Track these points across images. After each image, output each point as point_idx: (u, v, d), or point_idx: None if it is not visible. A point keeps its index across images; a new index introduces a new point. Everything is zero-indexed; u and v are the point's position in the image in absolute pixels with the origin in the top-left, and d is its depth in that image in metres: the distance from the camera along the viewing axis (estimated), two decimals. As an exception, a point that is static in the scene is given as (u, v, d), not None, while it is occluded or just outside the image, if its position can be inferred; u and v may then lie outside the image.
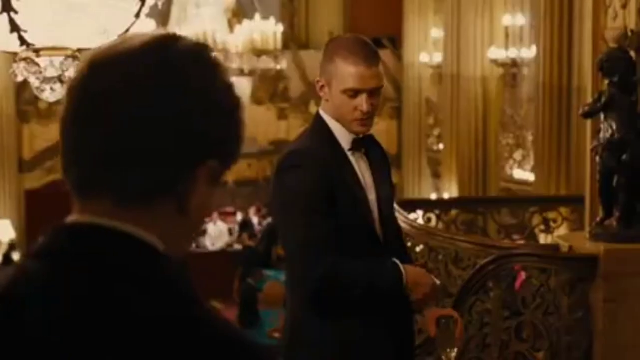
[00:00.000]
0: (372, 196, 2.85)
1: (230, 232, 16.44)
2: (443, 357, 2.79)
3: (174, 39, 1.12)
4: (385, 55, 15.49)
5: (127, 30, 2.56)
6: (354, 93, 2.72)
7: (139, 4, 2.53)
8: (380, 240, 2.86)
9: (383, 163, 2.96)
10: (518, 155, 11.51)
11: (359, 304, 2.77)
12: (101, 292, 1.03)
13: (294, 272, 2.85)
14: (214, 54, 1.14)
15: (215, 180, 1.12)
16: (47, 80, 2.49)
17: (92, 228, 1.08)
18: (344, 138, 2.82)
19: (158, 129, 1.06)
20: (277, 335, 10.06)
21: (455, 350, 2.78)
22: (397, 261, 2.78)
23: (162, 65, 1.09)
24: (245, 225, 15.85)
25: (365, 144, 2.88)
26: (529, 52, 11.21)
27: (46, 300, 1.04)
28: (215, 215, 16.42)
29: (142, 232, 1.07)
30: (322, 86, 2.79)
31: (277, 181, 2.76)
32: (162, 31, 1.14)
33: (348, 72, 2.70)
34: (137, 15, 2.54)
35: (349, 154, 2.82)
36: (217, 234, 16.21)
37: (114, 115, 1.07)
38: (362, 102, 2.72)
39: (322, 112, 2.85)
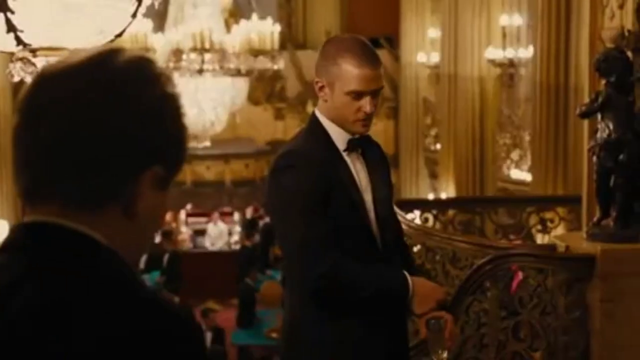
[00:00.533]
0: (368, 197, 2.84)
1: (230, 232, 16.43)
2: (434, 358, 2.78)
3: (115, 53, 1.19)
4: (383, 55, 15.47)
5: (124, 30, 2.56)
6: (357, 95, 2.72)
7: (136, 4, 2.53)
8: (377, 242, 2.85)
9: (381, 163, 2.95)
10: (515, 155, 11.52)
11: (358, 305, 2.77)
12: (52, 287, 1.11)
13: (292, 272, 2.85)
14: (154, 66, 1.21)
15: (162, 185, 1.20)
16: (43, 80, 2.48)
17: (44, 226, 1.16)
18: (339, 138, 2.81)
19: (98, 139, 1.14)
20: (274, 335, 10.07)
21: (446, 352, 2.78)
22: (406, 274, 2.78)
23: (102, 78, 1.16)
24: (252, 224, 15.82)
25: (362, 144, 2.87)
26: (526, 52, 11.22)
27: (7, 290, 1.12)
28: (215, 215, 16.43)
29: (89, 230, 1.15)
30: (322, 87, 2.78)
31: (272, 181, 2.76)
32: (108, 45, 1.23)
33: (352, 74, 2.69)
34: (134, 15, 2.54)
35: (344, 154, 2.82)
36: (216, 234, 16.20)
37: (57, 127, 1.14)
38: (366, 103, 2.72)
39: (317, 113, 2.84)
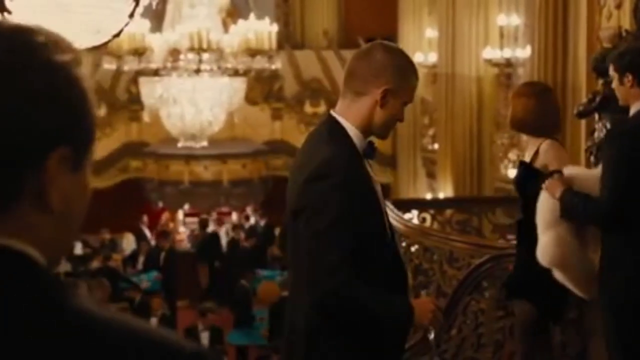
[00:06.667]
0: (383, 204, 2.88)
1: (227, 232, 16.42)
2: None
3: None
4: (380, 55, 15.46)
5: (122, 30, 2.56)
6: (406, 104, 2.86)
7: (133, 3, 2.53)
8: (394, 243, 2.89)
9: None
10: (512, 155, 11.52)
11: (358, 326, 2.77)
12: None
13: (310, 278, 2.79)
14: (37, 34, 1.05)
15: (76, 167, 1.04)
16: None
17: None
18: (359, 144, 2.79)
19: None
20: (271, 335, 10.06)
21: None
22: (411, 303, 2.80)
23: None
24: (253, 226, 15.83)
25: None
26: (523, 52, 11.22)
27: None
28: (214, 215, 16.41)
29: (12, 241, 1.00)
30: (385, 94, 2.76)
31: (309, 189, 2.70)
32: None
33: (412, 86, 2.85)
34: (131, 15, 2.54)
35: (365, 161, 2.81)
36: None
37: None
38: (403, 112, 2.87)
39: (338, 117, 2.79)
